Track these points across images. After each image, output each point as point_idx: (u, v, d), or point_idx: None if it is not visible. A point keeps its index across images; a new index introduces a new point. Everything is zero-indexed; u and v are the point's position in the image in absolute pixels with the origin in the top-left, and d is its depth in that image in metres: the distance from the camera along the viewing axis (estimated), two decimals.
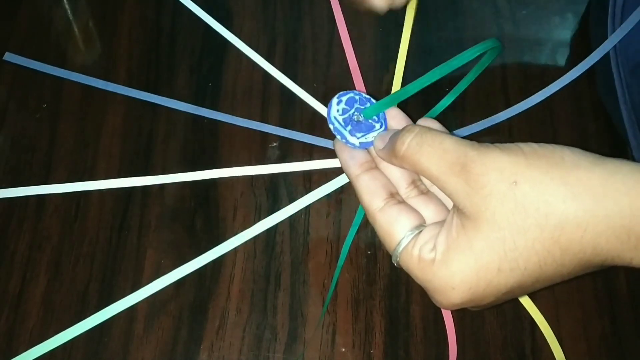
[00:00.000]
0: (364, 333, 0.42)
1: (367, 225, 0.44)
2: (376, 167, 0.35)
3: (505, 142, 0.48)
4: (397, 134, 0.33)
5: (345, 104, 0.37)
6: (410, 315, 0.42)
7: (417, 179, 0.35)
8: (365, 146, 0.36)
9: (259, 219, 0.44)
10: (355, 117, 0.36)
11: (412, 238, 0.32)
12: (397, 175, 0.35)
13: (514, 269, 0.29)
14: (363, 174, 0.35)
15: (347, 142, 0.36)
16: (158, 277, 0.42)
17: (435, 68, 0.33)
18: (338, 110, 0.36)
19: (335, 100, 0.37)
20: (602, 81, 0.49)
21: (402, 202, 0.34)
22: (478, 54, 0.34)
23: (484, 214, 0.29)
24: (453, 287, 0.30)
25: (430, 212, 0.34)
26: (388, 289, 0.43)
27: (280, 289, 0.43)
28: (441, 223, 0.32)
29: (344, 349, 0.41)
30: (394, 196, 0.34)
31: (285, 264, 0.43)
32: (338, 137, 0.36)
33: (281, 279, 0.43)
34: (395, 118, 0.37)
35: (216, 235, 0.44)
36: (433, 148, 0.31)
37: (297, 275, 0.43)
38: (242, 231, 0.44)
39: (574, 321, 0.43)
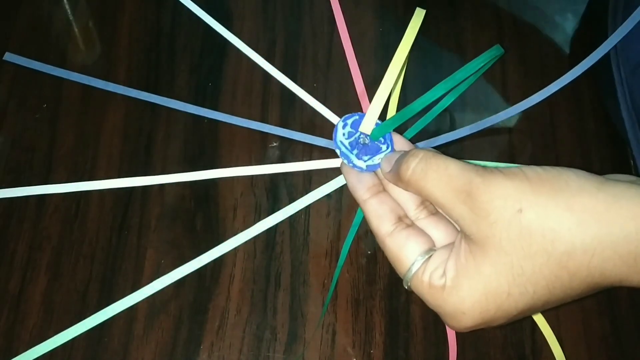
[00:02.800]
0: (364, 333, 0.42)
1: (367, 225, 0.44)
2: (384, 190, 0.35)
3: (505, 142, 0.48)
4: (402, 157, 0.33)
5: (351, 127, 0.37)
6: (410, 315, 0.42)
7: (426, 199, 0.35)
8: (372, 169, 0.36)
9: (259, 219, 0.44)
10: (362, 139, 0.36)
11: (422, 263, 0.32)
12: (406, 197, 0.35)
13: (523, 294, 0.29)
14: (371, 198, 0.35)
15: (355, 165, 0.36)
16: (158, 277, 0.42)
17: (440, 83, 0.34)
18: (344, 134, 0.36)
19: (340, 124, 0.37)
20: (602, 81, 0.49)
21: (410, 225, 0.34)
22: (483, 64, 0.34)
23: (490, 240, 0.29)
24: (464, 312, 0.31)
25: (440, 233, 0.34)
26: (388, 289, 0.43)
27: (280, 289, 0.43)
28: (450, 246, 0.32)
29: (344, 349, 0.41)
30: (402, 220, 0.34)
31: (285, 264, 0.43)
32: (345, 161, 0.36)
33: (281, 279, 0.43)
34: (398, 143, 0.37)
35: (216, 235, 0.44)
36: (438, 174, 0.31)
37: (297, 275, 0.43)
38: (242, 231, 0.44)
39: (574, 321, 0.43)
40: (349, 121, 0.37)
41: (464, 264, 0.30)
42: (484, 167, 0.31)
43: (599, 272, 0.28)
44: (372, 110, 0.36)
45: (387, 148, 0.36)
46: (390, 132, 0.36)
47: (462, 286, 0.30)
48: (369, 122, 0.36)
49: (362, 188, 0.35)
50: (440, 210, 0.32)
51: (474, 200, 0.30)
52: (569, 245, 0.28)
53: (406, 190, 0.33)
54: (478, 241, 0.30)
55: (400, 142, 0.37)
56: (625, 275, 0.29)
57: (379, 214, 0.34)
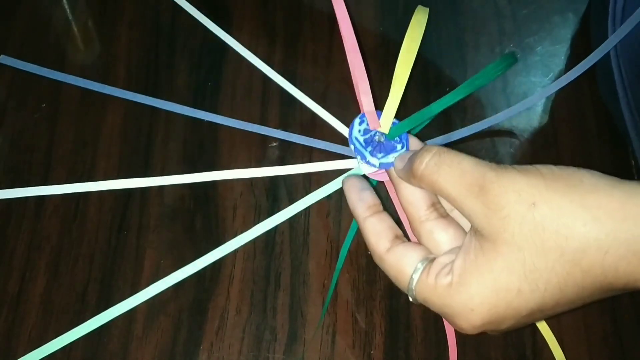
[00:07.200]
0: (364, 334, 0.41)
1: None
2: (383, 210, 0.35)
3: (505, 142, 0.48)
4: (416, 153, 0.33)
5: (367, 124, 0.37)
6: (410, 316, 0.42)
7: (437, 201, 0.35)
8: (385, 167, 0.36)
9: (259, 219, 0.44)
10: (377, 137, 0.36)
11: (425, 267, 0.32)
12: (418, 197, 0.34)
13: (534, 291, 0.29)
14: (370, 216, 0.35)
15: (368, 162, 0.36)
16: (158, 277, 0.42)
17: (459, 86, 0.34)
18: (360, 131, 0.36)
19: (357, 120, 0.37)
20: (603, 81, 0.49)
21: (407, 242, 0.34)
22: (500, 72, 0.35)
23: (502, 235, 0.29)
24: (472, 309, 0.30)
25: (448, 237, 0.33)
26: (388, 290, 0.43)
27: (280, 289, 0.42)
28: (456, 250, 0.32)
29: (344, 350, 0.41)
30: (399, 237, 0.34)
31: (285, 264, 0.43)
32: (358, 157, 0.36)
33: (281, 279, 0.43)
34: (413, 144, 0.37)
35: (216, 235, 0.44)
36: (451, 168, 0.31)
37: (297, 275, 0.43)
38: (241, 231, 0.43)
39: (575, 322, 0.43)
40: (366, 118, 0.37)
41: (473, 260, 0.30)
42: (497, 163, 0.31)
43: (613, 271, 0.28)
44: (389, 109, 0.36)
45: (402, 148, 0.36)
46: (406, 133, 0.36)
47: (471, 283, 0.30)
48: (386, 120, 0.36)
49: (363, 206, 0.35)
50: (453, 205, 0.31)
51: (486, 194, 0.29)
52: (583, 241, 0.28)
53: (419, 186, 0.33)
54: (489, 236, 0.29)
55: (415, 144, 0.36)
56: (639, 274, 0.28)
57: (377, 231, 0.34)
